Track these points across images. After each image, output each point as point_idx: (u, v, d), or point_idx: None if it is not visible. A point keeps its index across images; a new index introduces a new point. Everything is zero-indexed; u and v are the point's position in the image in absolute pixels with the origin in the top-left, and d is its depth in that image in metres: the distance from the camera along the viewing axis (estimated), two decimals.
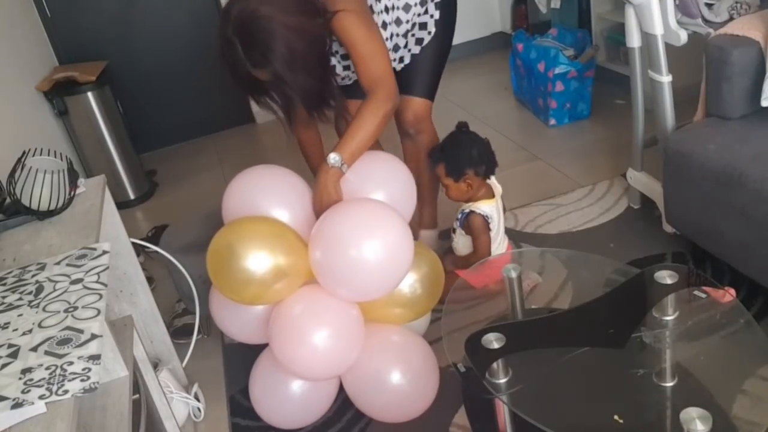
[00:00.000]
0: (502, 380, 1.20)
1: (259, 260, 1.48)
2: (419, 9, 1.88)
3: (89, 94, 3.04)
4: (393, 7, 1.84)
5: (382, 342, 1.59)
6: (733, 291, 1.34)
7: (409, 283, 1.59)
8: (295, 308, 1.51)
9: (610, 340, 1.27)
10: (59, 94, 2.98)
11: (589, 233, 2.25)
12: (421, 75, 1.98)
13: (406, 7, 1.86)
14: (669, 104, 2.00)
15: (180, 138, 3.91)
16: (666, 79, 1.97)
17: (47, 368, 0.90)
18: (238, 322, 1.69)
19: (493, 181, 1.98)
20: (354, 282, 1.48)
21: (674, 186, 1.89)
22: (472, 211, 1.91)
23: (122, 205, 3.12)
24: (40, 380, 0.88)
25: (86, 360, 0.90)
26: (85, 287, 1.09)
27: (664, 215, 2.04)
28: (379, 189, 1.66)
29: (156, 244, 2.01)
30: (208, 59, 3.73)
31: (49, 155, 1.44)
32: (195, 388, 1.82)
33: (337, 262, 1.46)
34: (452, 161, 1.88)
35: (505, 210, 2.04)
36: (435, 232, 2.19)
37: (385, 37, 1.83)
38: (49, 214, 1.37)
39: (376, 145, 2.13)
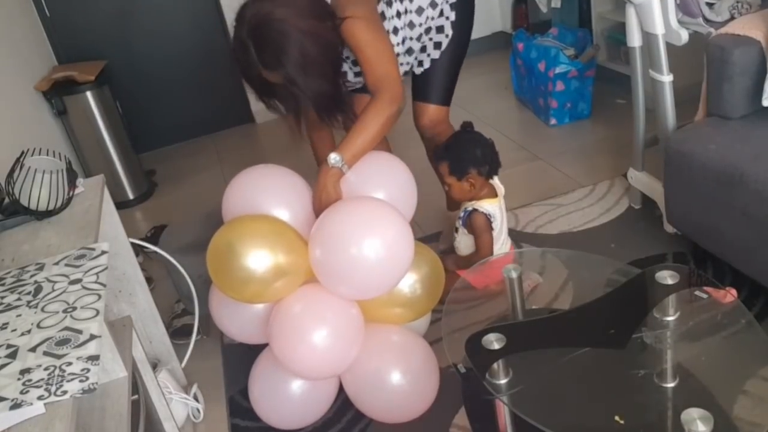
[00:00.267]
0: (503, 381, 1.20)
1: (259, 258, 1.48)
2: (432, 12, 1.88)
3: (88, 94, 3.04)
4: (405, 11, 1.84)
5: (383, 342, 1.59)
6: (734, 291, 1.33)
7: (409, 283, 1.59)
8: (294, 307, 1.51)
9: (610, 341, 1.27)
10: (58, 93, 2.97)
11: (589, 233, 2.24)
12: (438, 81, 1.99)
13: (419, 11, 1.86)
14: (670, 104, 2.00)
15: (179, 138, 3.91)
16: (667, 78, 1.96)
17: (46, 369, 0.90)
18: (238, 321, 1.69)
19: (496, 181, 1.98)
20: (354, 280, 1.47)
21: (675, 186, 1.89)
22: (474, 210, 1.91)
23: (121, 205, 3.11)
24: (38, 381, 0.88)
25: (85, 360, 0.90)
26: (84, 287, 1.08)
27: (665, 215, 2.04)
28: (380, 189, 1.66)
29: (155, 244, 2.01)
30: (207, 59, 3.75)
31: (47, 155, 1.44)
32: (194, 388, 1.82)
33: (337, 260, 1.46)
34: (455, 160, 1.89)
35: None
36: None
37: (396, 42, 1.84)
38: (48, 214, 1.37)
39: (385, 146, 2.14)
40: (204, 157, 3.66)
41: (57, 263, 1.18)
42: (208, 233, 1.57)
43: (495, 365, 1.20)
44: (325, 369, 1.53)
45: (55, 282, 1.11)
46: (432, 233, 2.37)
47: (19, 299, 1.08)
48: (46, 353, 0.93)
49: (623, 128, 2.63)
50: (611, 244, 2.16)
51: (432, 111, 2.01)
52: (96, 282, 1.10)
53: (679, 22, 1.89)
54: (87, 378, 0.87)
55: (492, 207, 1.92)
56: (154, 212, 3.14)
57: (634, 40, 2.04)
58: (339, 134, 2.02)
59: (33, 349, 0.94)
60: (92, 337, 0.95)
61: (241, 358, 1.89)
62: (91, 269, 1.14)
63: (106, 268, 1.14)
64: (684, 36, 1.88)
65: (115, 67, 3.47)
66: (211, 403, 1.84)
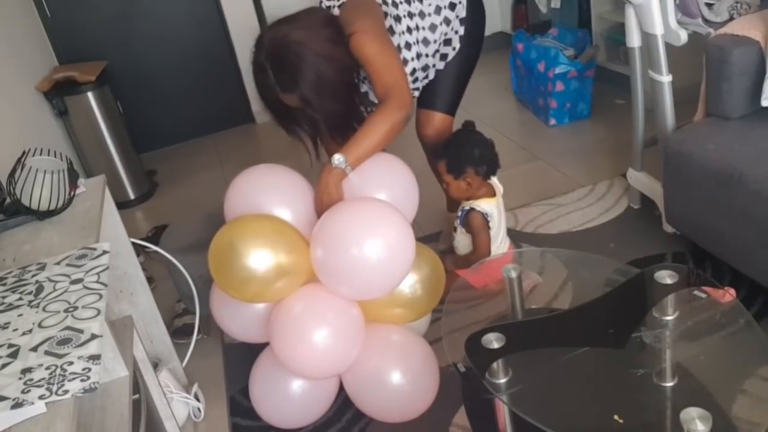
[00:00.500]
0: (502, 380, 1.20)
1: (260, 258, 1.48)
2: (446, 28, 1.90)
3: (89, 94, 3.04)
4: (417, 28, 1.85)
5: (383, 342, 1.60)
6: (733, 291, 1.34)
7: (410, 283, 1.60)
8: (295, 306, 1.52)
9: (610, 340, 1.27)
10: (59, 94, 2.98)
11: (589, 233, 2.25)
12: (443, 90, 2.00)
13: (432, 27, 1.87)
14: (669, 104, 2.00)
15: (180, 138, 3.91)
16: (666, 78, 1.97)
17: (47, 368, 0.90)
18: (239, 320, 1.70)
19: (494, 180, 1.99)
20: (355, 280, 1.48)
21: (674, 186, 1.89)
22: (471, 209, 1.91)
23: (122, 205, 3.12)
24: (40, 380, 0.88)
25: (86, 360, 0.91)
26: (85, 287, 1.09)
27: (664, 215, 2.04)
28: (382, 189, 1.66)
29: (156, 244, 2.01)
30: (208, 59, 3.76)
31: (49, 155, 1.44)
32: (195, 388, 1.82)
33: (339, 261, 1.46)
34: (453, 159, 1.89)
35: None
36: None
37: (411, 57, 1.85)
38: (49, 214, 1.37)
39: None
40: (205, 157, 3.66)
41: (58, 263, 1.18)
42: (208, 233, 1.58)
43: (494, 364, 1.20)
44: (326, 369, 1.53)
45: (57, 282, 1.12)
46: (432, 233, 2.37)
47: (20, 299, 1.09)
48: (47, 353, 0.93)
49: (622, 128, 2.64)
50: (610, 243, 2.16)
51: (437, 119, 2.02)
52: (97, 282, 1.10)
53: (679, 22, 1.90)
54: (88, 377, 0.87)
55: (489, 206, 1.92)
56: (154, 212, 3.15)
57: (634, 40, 2.05)
58: None
59: (34, 349, 0.95)
60: (93, 336, 0.96)
61: (241, 358, 1.90)
62: (93, 269, 1.14)
63: (107, 268, 1.14)
64: (683, 36, 1.88)
65: (116, 68, 3.48)
66: (212, 402, 1.85)
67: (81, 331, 0.97)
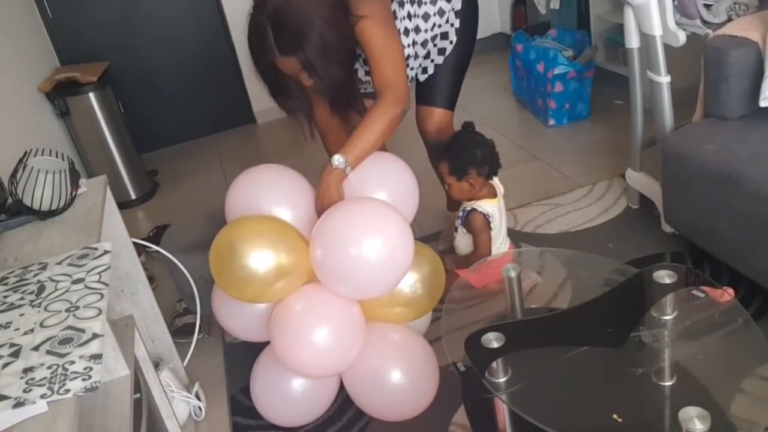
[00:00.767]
0: (502, 379, 1.20)
1: (260, 258, 1.49)
2: (439, 19, 1.89)
3: (91, 95, 3.05)
4: (414, 15, 1.85)
5: (383, 341, 1.60)
6: (731, 290, 1.34)
7: (410, 282, 1.60)
8: (295, 306, 1.52)
9: (609, 340, 1.27)
10: (61, 94, 2.98)
11: (588, 233, 2.25)
12: (442, 85, 2.00)
13: (425, 17, 1.87)
14: (668, 105, 2.00)
15: (181, 138, 3.92)
16: (665, 79, 1.97)
17: (49, 367, 0.90)
18: (240, 319, 1.70)
19: (495, 181, 1.99)
20: (354, 280, 1.48)
21: (673, 186, 1.89)
22: (473, 209, 1.92)
23: (123, 205, 3.13)
24: (41, 379, 0.88)
25: (88, 359, 0.91)
26: (87, 287, 1.09)
27: (663, 215, 2.04)
28: (382, 189, 1.67)
29: (157, 243, 2.02)
30: (209, 60, 3.76)
31: (50, 155, 1.45)
32: (196, 387, 1.82)
33: (338, 261, 1.47)
34: (455, 161, 1.89)
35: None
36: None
37: (407, 44, 1.85)
38: (51, 214, 1.38)
39: (382, 146, 2.14)
40: (206, 157, 3.67)
41: (60, 263, 1.19)
42: (209, 233, 1.58)
43: (494, 364, 1.21)
44: (326, 367, 1.54)
45: (58, 281, 1.12)
46: (432, 233, 2.38)
47: (22, 298, 1.09)
48: (49, 352, 0.94)
49: (621, 129, 2.64)
50: (609, 243, 2.16)
51: (437, 115, 2.02)
52: (98, 281, 1.10)
53: (677, 23, 1.90)
54: (90, 377, 0.88)
55: (491, 207, 1.93)
56: (156, 212, 3.15)
57: (633, 41, 2.05)
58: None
59: (36, 348, 0.95)
60: (95, 336, 0.96)
61: (242, 357, 1.90)
62: (94, 269, 1.15)
63: (108, 268, 1.15)
64: (682, 37, 1.89)
65: (118, 68, 3.48)
66: (213, 401, 1.85)
67: (82, 331, 0.97)
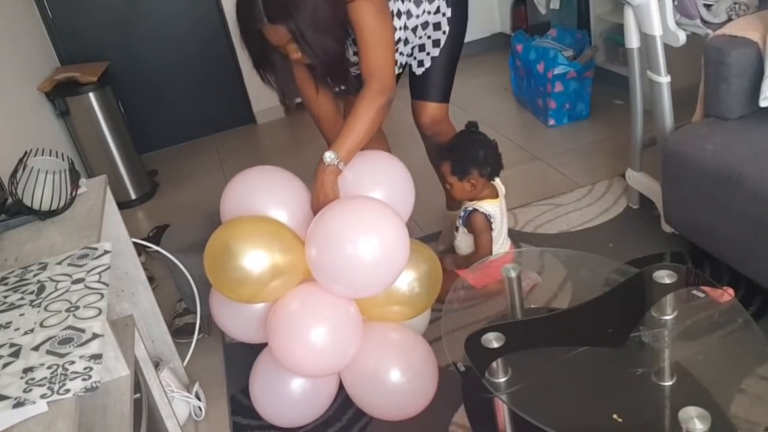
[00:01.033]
0: (502, 379, 1.20)
1: (255, 259, 1.49)
2: (428, 6, 1.87)
3: (90, 95, 3.05)
4: None
5: (382, 340, 1.60)
6: (731, 290, 1.34)
7: (408, 281, 1.60)
8: (292, 305, 1.52)
9: (609, 340, 1.27)
10: (61, 94, 2.98)
11: (588, 233, 2.25)
12: (437, 78, 2.00)
13: (417, 2, 1.85)
14: (668, 105, 2.00)
15: (181, 138, 3.92)
16: (665, 79, 1.97)
17: (49, 367, 0.90)
18: (238, 321, 1.70)
19: (497, 182, 1.99)
20: (349, 279, 1.48)
21: (673, 186, 1.89)
22: (474, 209, 1.92)
23: (123, 205, 3.13)
24: (41, 379, 0.89)
25: (88, 359, 0.91)
26: (87, 287, 1.09)
27: (663, 215, 2.04)
28: (378, 188, 1.67)
29: (157, 243, 2.02)
30: (209, 60, 3.76)
31: (50, 155, 1.45)
32: (196, 387, 1.82)
33: (333, 259, 1.47)
34: (458, 161, 1.89)
35: None
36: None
37: (398, 26, 1.83)
38: (51, 214, 1.38)
39: (384, 146, 2.14)
40: (206, 157, 3.67)
41: (60, 263, 1.19)
42: (209, 233, 1.58)
43: (494, 364, 1.21)
44: (324, 367, 1.54)
45: (58, 281, 1.12)
46: (432, 233, 2.38)
47: (22, 298, 1.09)
48: (49, 352, 0.94)
49: (621, 129, 2.64)
50: (609, 243, 2.16)
51: (432, 109, 2.02)
52: (98, 281, 1.10)
53: (677, 23, 1.90)
54: (90, 377, 0.88)
55: (492, 207, 1.93)
56: (156, 212, 3.15)
57: (633, 41, 2.05)
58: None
59: (36, 348, 0.95)
60: (95, 336, 0.96)
61: (242, 357, 1.90)
62: (94, 269, 1.15)
63: (108, 268, 1.15)
64: (682, 37, 1.89)
65: (118, 68, 3.48)
66: (213, 401, 1.85)
67: (82, 331, 0.97)
